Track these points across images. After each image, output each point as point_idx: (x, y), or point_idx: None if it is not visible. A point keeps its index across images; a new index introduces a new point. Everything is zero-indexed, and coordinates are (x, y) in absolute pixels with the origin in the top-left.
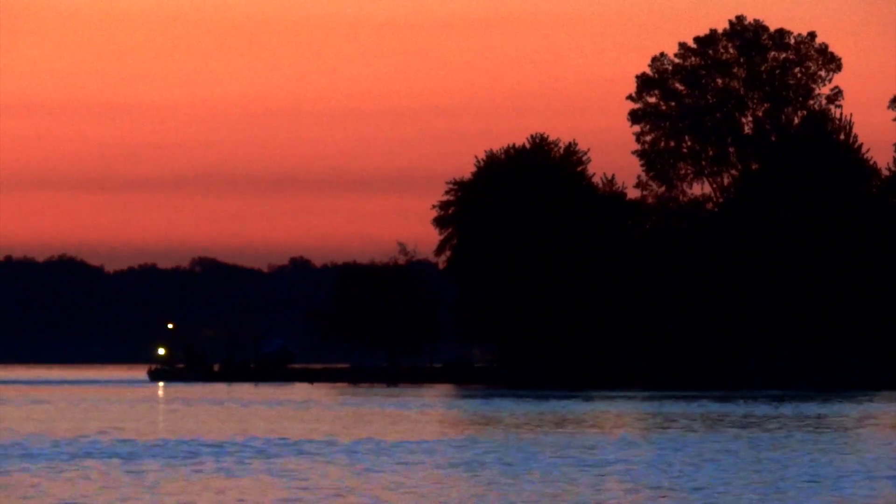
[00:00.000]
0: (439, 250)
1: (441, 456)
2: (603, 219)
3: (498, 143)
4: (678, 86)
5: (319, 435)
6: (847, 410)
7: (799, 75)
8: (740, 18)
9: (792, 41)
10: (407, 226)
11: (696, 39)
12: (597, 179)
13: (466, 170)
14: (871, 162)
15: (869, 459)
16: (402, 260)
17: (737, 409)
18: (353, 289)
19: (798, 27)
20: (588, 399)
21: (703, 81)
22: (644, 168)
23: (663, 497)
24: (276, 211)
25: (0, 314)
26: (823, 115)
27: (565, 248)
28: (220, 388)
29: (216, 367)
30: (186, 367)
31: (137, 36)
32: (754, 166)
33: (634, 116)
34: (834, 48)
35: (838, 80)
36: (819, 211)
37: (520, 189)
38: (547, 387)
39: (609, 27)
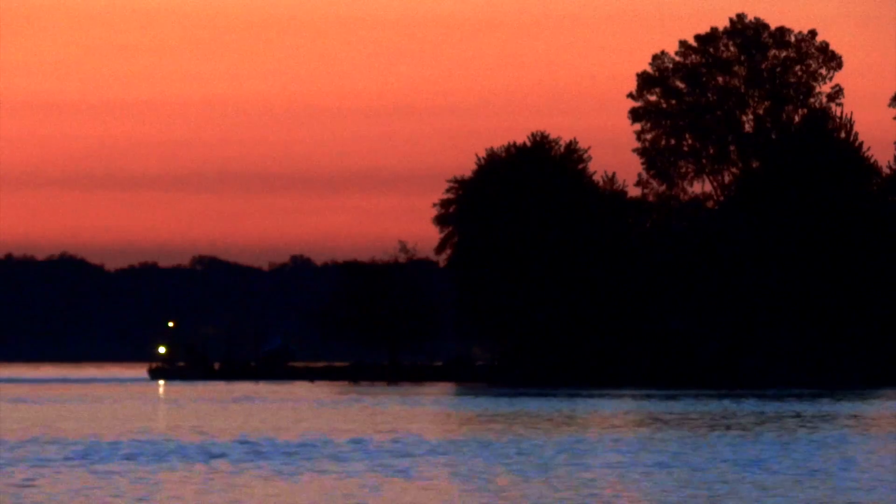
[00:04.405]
0: (440, 249)
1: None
2: (604, 217)
3: (498, 142)
4: (679, 84)
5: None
6: (849, 409)
7: (799, 73)
8: (741, 17)
9: (792, 39)
10: (408, 224)
11: (697, 37)
12: (597, 178)
13: (467, 168)
14: (872, 160)
15: (865, 458)
16: (402, 258)
17: (738, 407)
18: (353, 287)
19: (798, 25)
20: (592, 397)
21: (704, 79)
22: (645, 166)
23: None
24: (276, 209)
25: (0, 312)
26: (824, 113)
27: (566, 247)
28: (221, 387)
29: (217, 366)
30: (187, 365)
31: (139, 34)
32: (755, 164)
33: (635, 114)
34: (834, 46)
35: (839, 78)
36: (820, 209)
37: (520, 187)
38: (547, 385)
39: (610, 25)
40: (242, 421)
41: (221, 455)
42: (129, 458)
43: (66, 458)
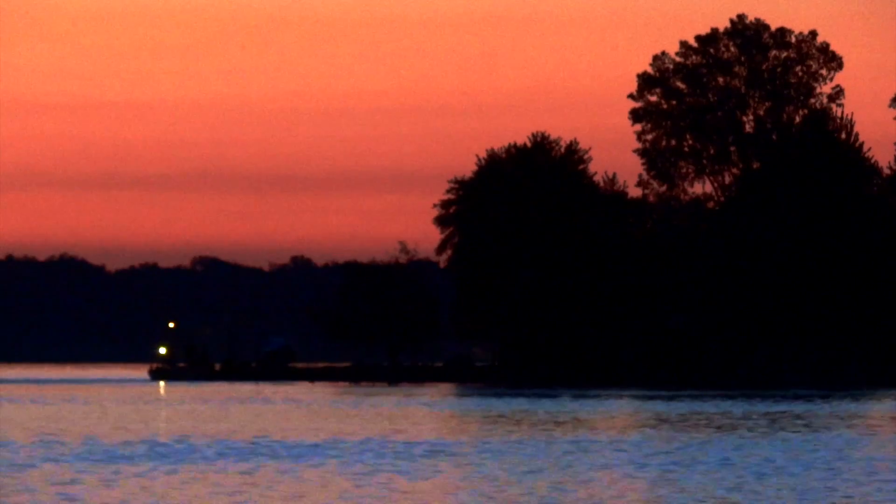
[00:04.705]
0: (440, 249)
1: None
2: (604, 218)
3: (499, 142)
4: (679, 84)
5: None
6: (854, 409)
7: (800, 74)
8: (741, 17)
9: (793, 40)
10: (408, 225)
11: (698, 38)
12: (598, 178)
13: (468, 169)
14: (872, 161)
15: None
16: (403, 259)
17: (743, 408)
18: (354, 287)
19: (799, 26)
20: (593, 398)
21: (705, 80)
22: (645, 167)
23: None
24: (277, 209)
25: (1, 313)
26: (824, 113)
27: (566, 247)
28: (223, 388)
29: (217, 366)
30: (188, 365)
31: (139, 34)
32: (755, 165)
33: (636, 115)
34: (835, 47)
35: (839, 78)
36: (820, 209)
37: (521, 188)
38: (547, 385)
39: (610, 26)
40: (251, 422)
41: (236, 456)
42: (144, 458)
43: (82, 459)
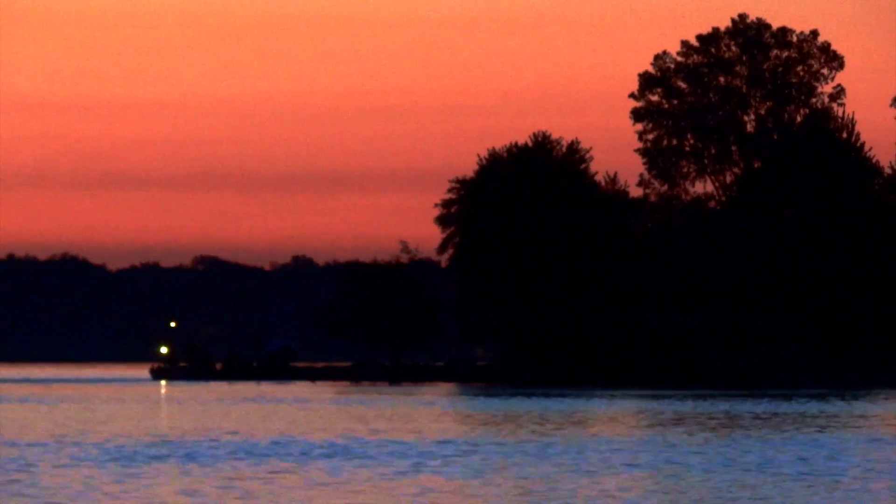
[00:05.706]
0: (442, 249)
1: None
2: (605, 217)
3: (500, 142)
4: (681, 84)
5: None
6: (850, 409)
7: (801, 73)
8: (743, 17)
9: (794, 39)
10: (409, 224)
11: (699, 38)
12: (599, 178)
13: (469, 168)
14: (874, 160)
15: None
16: (404, 258)
17: (749, 408)
18: (355, 287)
19: (800, 25)
20: (596, 398)
21: (706, 80)
22: (646, 166)
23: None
24: (278, 209)
25: (2, 312)
26: (826, 113)
27: (568, 247)
28: (224, 387)
29: (218, 366)
30: (189, 365)
31: (139, 34)
32: (757, 164)
33: (637, 115)
34: (836, 46)
35: (841, 78)
36: (821, 209)
37: (522, 187)
38: (549, 385)
39: (611, 25)
40: (263, 422)
41: (257, 456)
42: (160, 458)
43: (106, 460)
